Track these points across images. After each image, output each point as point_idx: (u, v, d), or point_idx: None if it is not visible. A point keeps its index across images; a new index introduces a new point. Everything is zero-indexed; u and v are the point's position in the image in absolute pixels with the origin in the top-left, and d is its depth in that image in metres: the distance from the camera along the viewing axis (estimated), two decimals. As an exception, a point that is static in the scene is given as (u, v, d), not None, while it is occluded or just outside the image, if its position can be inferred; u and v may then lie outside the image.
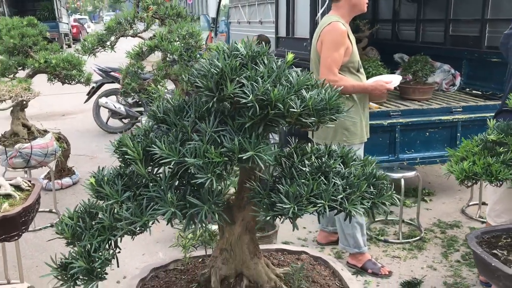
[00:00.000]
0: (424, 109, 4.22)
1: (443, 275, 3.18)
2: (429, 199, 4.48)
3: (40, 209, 3.98)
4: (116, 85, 6.82)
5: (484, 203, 3.97)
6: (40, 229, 3.89)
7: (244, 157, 1.27)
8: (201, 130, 1.36)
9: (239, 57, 1.40)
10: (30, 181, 3.02)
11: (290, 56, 1.46)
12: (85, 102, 7.24)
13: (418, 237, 3.68)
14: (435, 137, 4.27)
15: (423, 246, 3.57)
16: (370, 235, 3.72)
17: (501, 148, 1.95)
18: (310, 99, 1.33)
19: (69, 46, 22.87)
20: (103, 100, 6.83)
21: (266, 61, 1.42)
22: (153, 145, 1.34)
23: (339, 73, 2.98)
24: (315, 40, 3.06)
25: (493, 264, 1.93)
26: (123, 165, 1.47)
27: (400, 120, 4.14)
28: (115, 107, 6.80)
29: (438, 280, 3.13)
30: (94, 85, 6.91)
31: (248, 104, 1.29)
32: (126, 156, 1.40)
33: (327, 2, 3.75)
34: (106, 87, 7.09)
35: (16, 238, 2.62)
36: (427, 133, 4.22)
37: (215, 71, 1.33)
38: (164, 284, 1.76)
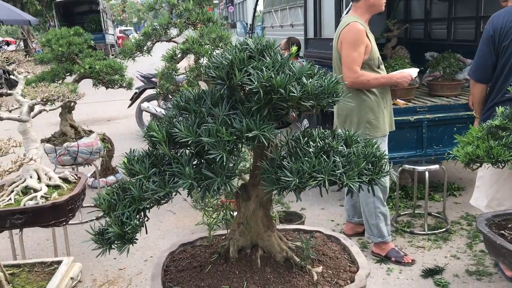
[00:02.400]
0: (451, 105, 4.28)
1: (465, 264, 3.26)
2: (458, 193, 4.52)
3: (86, 205, 4.34)
4: (157, 90, 7.17)
5: None
6: (87, 221, 4.23)
7: (250, 136, 1.47)
8: (215, 114, 1.57)
9: (249, 51, 1.61)
10: (76, 174, 3.34)
11: (294, 49, 1.66)
12: (128, 107, 7.64)
13: (444, 229, 3.76)
14: (463, 132, 4.30)
15: (448, 238, 3.64)
16: (396, 227, 3.83)
17: (504, 133, 2.06)
18: (309, 85, 1.52)
19: (115, 56, 23.80)
20: (145, 105, 7.19)
21: (272, 54, 1.62)
22: (174, 128, 1.57)
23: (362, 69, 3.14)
24: (336, 40, 3.24)
25: (498, 242, 2.05)
26: (151, 147, 1.70)
27: (427, 116, 4.22)
28: (156, 111, 7.14)
29: (461, 268, 3.21)
30: (137, 90, 7.31)
31: (254, 90, 1.50)
32: (153, 139, 1.63)
33: (350, 4, 3.90)
34: (148, 92, 7.46)
35: (64, 223, 2.93)
36: (455, 128, 4.27)
37: (225, 63, 1.54)
38: (190, 256, 1.98)
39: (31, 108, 2.96)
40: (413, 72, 3.38)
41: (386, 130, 3.31)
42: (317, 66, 1.69)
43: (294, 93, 1.50)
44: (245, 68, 1.54)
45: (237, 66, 1.54)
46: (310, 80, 1.56)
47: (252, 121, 1.50)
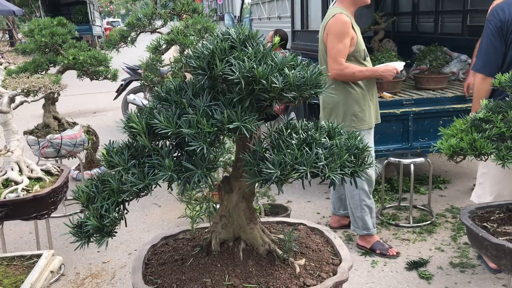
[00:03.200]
0: (437, 98, 4.29)
1: (450, 256, 3.27)
2: (444, 186, 4.54)
3: (70, 198, 4.29)
4: (143, 82, 7.11)
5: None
6: (71, 214, 4.18)
7: (231, 127, 1.45)
8: (196, 105, 1.54)
9: (230, 41, 1.58)
10: (59, 167, 3.29)
11: (276, 39, 1.63)
12: (114, 99, 7.56)
13: (429, 222, 3.77)
14: (449, 126, 4.32)
15: (433, 230, 3.66)
16: (381, 220, 3.84)
17: (488, 125, 2.06)
18: (291, 76, 1.50)
19: (102, 48, 23.57)
20: (131, 97, 7.12)
21: (254, 44, 1.60)
22: (154, 119, 1.54)
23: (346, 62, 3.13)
24: (321, 32, 3.22)
25: (480, 235, 2.05)
26: (131, 139, 1.67)
27: (413, 109, 4.22)
28: (143, 104, 7.08)
29: (445, 260, 3.22)
30: (123, 82, 7.23)
31: (236, 81, 1.47)
32: (132, 130, 1.60)
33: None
34: (134, 84, 7.39)
35: (46, 216, 2.89)
36: (441, 122, 4.28)
37: (207, 52, 1.51)
38: (172, 249, 1.96)
39: (11, 99, 2.90)
40: (399, 65, 3.37)
41: (372, 123, 3.31)
42: (300, 57, 1.66)
43: (276, 84, 1.47)
44: (226, 59, 1.51)
45: (218, 56, 1.51)
46: (293, 71, 1.54)
47: (233, 112, 1.48)
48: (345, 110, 3.21)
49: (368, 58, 3.27)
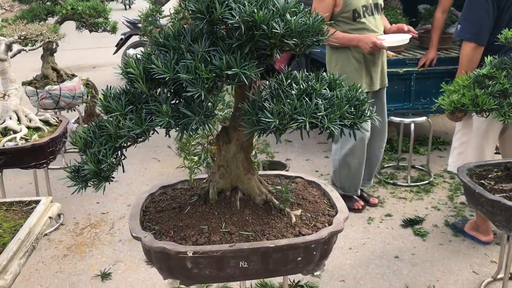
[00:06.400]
0: (440, 58, 4.23)
1: (445, 215, 3.31)
2: (443, 147, 4.55)
3: (70, 150, 4.29)
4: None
5: (497, 152, 4.02)
6: (70, 166, 4.19)
7: (230, 73, 1.42)
8: (194, 51, 1.51)
9: (231, -16, 1.53)
10: (58, 117, 3.27)
11: (278, -16, 1.57)
12: (114, 54, 7.47)
13: (426, 181, 3.79)
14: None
15: (430, 190, 3.68)
16: (379, 178, 3.86)
17: (491, 82, 2.03)
18: (292, 22, 1.46)
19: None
20: (131, 52, 7.01)
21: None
22: (152, 64, 1.51)
23: (335, 24, 3.02)
24: None
25: (477, 191, 2.06)
26: (128, 84, 1.65)
27: (416, 68, 4.18)
28: (143, 58, 7.00)
29: (440, 219, 3.26)
30: (123, 36, 7.12)
31: (235, 25, 1.43)
32: (130, 76, 1.57)
33: None
34: (134, 39, 7.28)
35: (45, 166, 2.90)
36: (444, 82, 4.23)
37: (206, -5, 1.47)
38: (170, 198, 1.96)
39: (8, 47, 2.85)
40: (396, 38, 3.15)
41: (372, 87, 3.24)
42: (303, 5, 1.62)
43: (277, 30, 1.44)
44: (226, 2, 1.47)
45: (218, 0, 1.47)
46: (294, 17, 1.50)
47: (232, 58, 1.45)
48: (341, 71, 3.15)
49: (364, 19, 3.08)
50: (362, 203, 3.39)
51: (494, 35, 2.74)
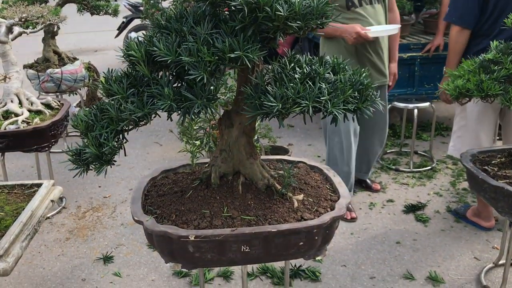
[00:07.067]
0: (446, 43, 4.18)
1: (448, 201, 3.30)
2: (446, 133, 4.53)
3: (72, 134, 4.29)
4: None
5: (499, 138, 4.00)
6: (71, 150, 4.19)
7: (232, 56, 1.40)
8: (196, 33, 1.49)
9: (234, -35, 1.50)
10: (59, 101, 3.26)
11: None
12: (115, 37, 7.42)
13: (429, 167, 3.78)
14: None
15: (432, 176, 3.67)
16: (382, 164, 3.85)
17: (496, 67, 2.01)
18: (296, 4, 1.43)
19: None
20: (133, 35, 6.97)
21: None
22: (154, 46, 1.49)
23: None
24: None
25: (480, 177, 2.05)
26: (129, 67, 1.63)
27: (420, 54, 4.14)
28: (145, 42, 6.95)
29: (442, 205, 3.26)
30: (124, 20, 7.07)
31: (238, 7, 1.41)
32: (131, 58, 1.55)
33: None
34: (136, 22, 7.22)
35: (47, 149, 2.89)
36: (448, 68, 4.20)
37: (208, -23, 1.44)
38: (172, 182, 1.96)
39: (9, 29, 2.83)
40: (385, 29, 3.01)
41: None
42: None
43: (280, 12, 1.41)
44: (229, -16, 1.44)
45: (220, -19, 1.44)
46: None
47: (235, 41, 1.43)
48: None
49: (361, 9, 2.96)
50: (354, 215, 3.14)
51: (486, 20, 2.73)
